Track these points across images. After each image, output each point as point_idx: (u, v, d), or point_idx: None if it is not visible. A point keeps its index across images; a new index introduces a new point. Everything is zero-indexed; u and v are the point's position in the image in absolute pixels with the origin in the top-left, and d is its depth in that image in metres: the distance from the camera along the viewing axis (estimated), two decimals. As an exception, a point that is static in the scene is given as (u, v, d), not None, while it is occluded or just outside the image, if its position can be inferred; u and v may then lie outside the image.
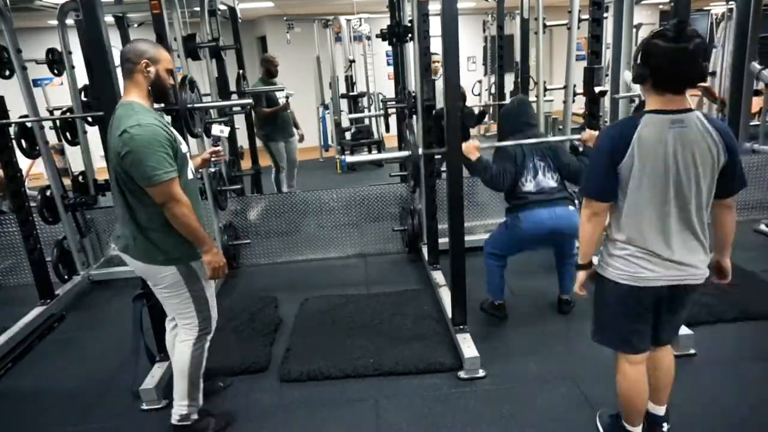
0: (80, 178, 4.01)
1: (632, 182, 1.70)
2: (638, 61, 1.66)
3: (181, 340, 2.22)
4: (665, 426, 2.09)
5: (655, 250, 1.79)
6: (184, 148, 2.11)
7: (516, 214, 2.87)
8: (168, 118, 2.72)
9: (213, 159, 2.56)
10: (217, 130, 3.48)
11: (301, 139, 5.81)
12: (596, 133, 2.73)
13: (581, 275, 1.90)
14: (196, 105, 3.24)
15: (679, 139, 1.63)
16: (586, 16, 3.51)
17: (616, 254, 1.81)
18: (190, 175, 2.13)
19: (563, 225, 2.80)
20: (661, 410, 2.09)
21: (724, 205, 1.91)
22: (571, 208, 2.85)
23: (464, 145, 2.71)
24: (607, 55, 5.62)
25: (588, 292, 1.92)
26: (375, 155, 3.50)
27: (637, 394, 1.93)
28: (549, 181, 2.88)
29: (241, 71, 4.55)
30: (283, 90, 5.11)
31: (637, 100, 6.00)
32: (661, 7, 11.19)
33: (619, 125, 1.76)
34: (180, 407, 2.24)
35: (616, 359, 1.96)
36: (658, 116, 1.65)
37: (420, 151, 3.15)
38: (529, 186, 2.87)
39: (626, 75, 5.62)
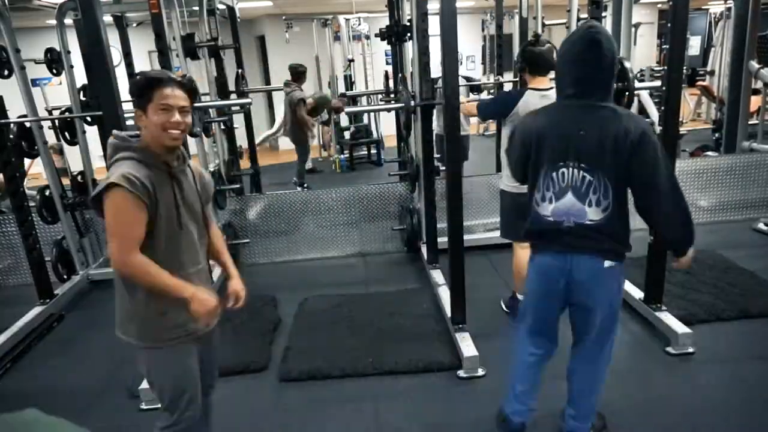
0: (79, 177, 4.00)
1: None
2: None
3: None
4: None
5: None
6: None
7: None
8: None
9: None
10: None
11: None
12: None
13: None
14: (195, 105, 3.24)
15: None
16: (585, 15, 3.51)
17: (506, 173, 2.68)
18: None
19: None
20: None
21: None
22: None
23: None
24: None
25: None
26: (372, 107, 3.57)
27: (523, 268, 2.26)
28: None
29: (240, 71, 4.55)
30: (282, 89, 5.16)
31: (636, 99, 6.02)
32: (660, 6, 11.19)
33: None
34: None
35: (514, 248, 2.93)
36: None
37: (412, 103, 3.21)
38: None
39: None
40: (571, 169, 1.75)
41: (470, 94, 5.69)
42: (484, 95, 5.90)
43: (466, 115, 3.29)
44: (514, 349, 2.08)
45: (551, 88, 2.57)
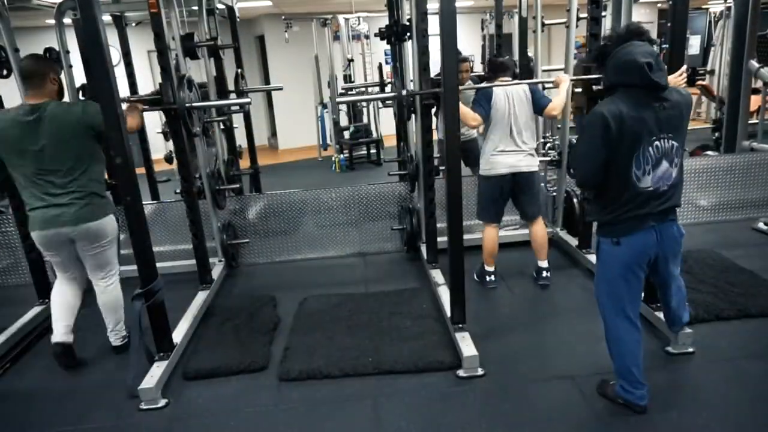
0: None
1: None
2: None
3: (111, 283, 2.88)
4: (545, 273, 3.42)
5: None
6: None
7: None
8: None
9: None
10: None
11: None
12: (566, 76, 3.28)
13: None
14: (194, 104, 3.25)
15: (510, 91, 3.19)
16: (585, 15, 3.51)
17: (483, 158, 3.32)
18: None
19: None
20: (544, 263, 3.44)
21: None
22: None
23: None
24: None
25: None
26: (366, 96, 3.67)
27: (491, 245, 3.43)
28: None
29: (239, 70, 4.54)
30: (281, 89, 5.13)
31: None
32: (659, 5, 11.19)
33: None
34: (120, 331, 2.97)
35: (485, 228, 3.45)
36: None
37: (404, 92, 3.36)
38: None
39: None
40: (663, 140, 2.00)
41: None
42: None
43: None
44: (616, 340, 2.20)
45: (511, 83, 3.27)
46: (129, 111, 2.83)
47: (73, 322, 2.88)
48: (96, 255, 2.78)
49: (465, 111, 3.16)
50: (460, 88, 3.38)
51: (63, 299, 2.88)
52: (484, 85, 3.46)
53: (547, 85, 3.48)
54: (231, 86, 4.61)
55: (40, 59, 2.79)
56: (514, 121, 3.21)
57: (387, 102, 4.13)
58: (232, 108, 4.54)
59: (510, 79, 3.31)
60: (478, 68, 9.29)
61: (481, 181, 3.39)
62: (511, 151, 3.23)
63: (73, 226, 2.63)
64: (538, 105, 3.25)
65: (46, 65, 2.70)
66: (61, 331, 2.82)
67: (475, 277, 3.54)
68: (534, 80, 3.65)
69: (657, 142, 1.99)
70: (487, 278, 3.45)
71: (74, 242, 2.72)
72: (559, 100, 3.22)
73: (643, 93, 1.98)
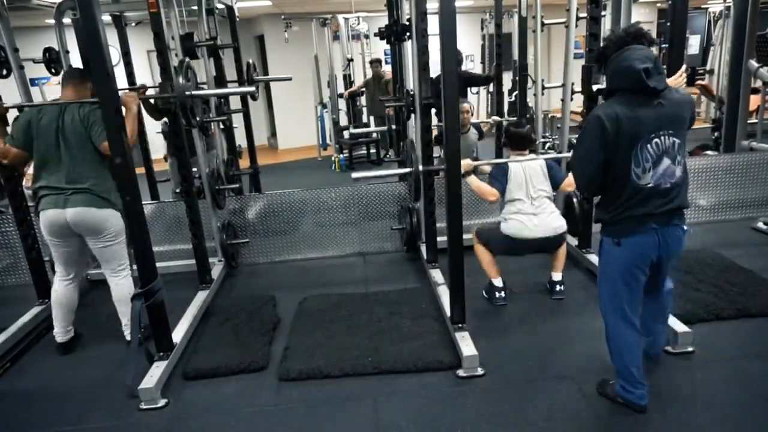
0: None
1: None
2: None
3: (123, 278, 2.94)
4: (558, 287, 3.29)
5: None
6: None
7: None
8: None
9: None
10: None
11: None
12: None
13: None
14: (194, 93, 3.19)
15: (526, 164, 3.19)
16: (584, 15, 3.51)
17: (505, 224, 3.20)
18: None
19: None
20: (558, 276, 3.30)
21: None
22: None
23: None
24: (605, 54, 5.60)
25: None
26: (379, 171, 3.57)
27: (486, 261, 3.30)
28: None
29: (250, 61, 4.47)
30: (290, 79, 5.17)
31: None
32: (659, 5, 11.19)
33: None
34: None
35: (476, 244, 3.32)
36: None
37: (420, 167, 3.26)
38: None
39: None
40: (662, 137, 1.98)
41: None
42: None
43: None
44: (616, 339, 2.21)
45: (526, 159, 3.22)
46: (125, 106, 2.85)
47: (72, 321, 3.05)
48: (103, 249, 2.86)
49: (483, 187, 3.17)
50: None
51: (62, 301, 2.97)
52: (499, 160, 3.47)
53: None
54: (232, 78, 4.61)
55: (83, 70, 3.07)
56: (533, 191, 3.14)
57: (388, 104, 4.13)
58: (232, 108, 4.54)
59: (526, 153, 3.27)
60: (478, 69, 9.30)
61: (504, 237, 3.18)
62: (537, 214, 3.11)
63: (71, 208, 2.72)
64: (554, 180, 3.21)
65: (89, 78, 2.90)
66: (60, 332, 3.01)
67: (484, 294, 3.37)
68: (551, 156, 3.55)
69: (656, 140, 1.98)
70: (497, 294, 3.26)
71: (79, 235, 2.82)
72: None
73: (642, 96, 1.99)
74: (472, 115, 5.30)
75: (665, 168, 2.02)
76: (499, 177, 3.20)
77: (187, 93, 3.08)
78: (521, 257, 3.40)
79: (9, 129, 2.90)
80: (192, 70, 3.26)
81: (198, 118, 3.38)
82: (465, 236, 2.74)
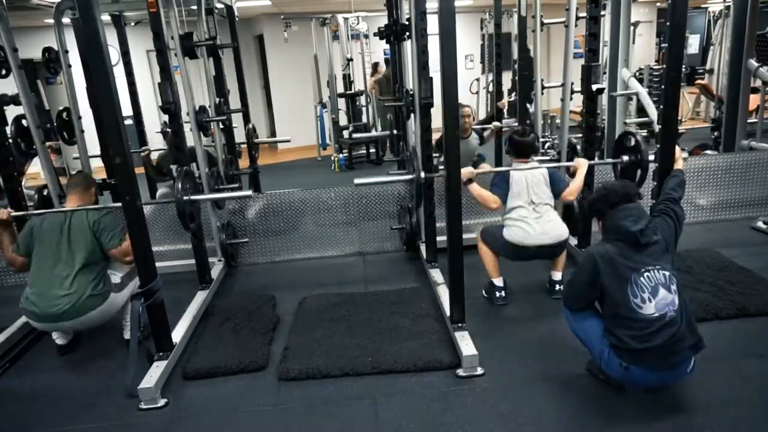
0: (77, 177, 3.99)
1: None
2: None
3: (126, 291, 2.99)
4: (558, 287, 3.30)
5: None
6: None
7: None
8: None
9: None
10: None
11: None
12: (584, 161, 3.26)
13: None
14: (192, 197, 3.16)
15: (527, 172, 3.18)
16: (584, 14, 3.51)
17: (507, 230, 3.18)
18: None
19: None
20: (558, 276, 3.32)
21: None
22: None
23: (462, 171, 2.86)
24: (605, 53, 5.62)
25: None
26: (383, 178, 3.58)
27: (489, 261, 3.30)
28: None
29: (251, 126, 4.56)
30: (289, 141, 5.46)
31: (634, 98, 6.02)
32: (658, 4, 11.20)
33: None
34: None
35: (479, 243, 3.32)
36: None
37: (422, 174, 3.31)
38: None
39: (624, 73, 5.64)
40: (652, 271, 2.16)
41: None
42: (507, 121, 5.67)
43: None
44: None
45: (529, 168, 3.21)
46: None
47: None
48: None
49: (485, 195, 3.17)
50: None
51: None
52: (501, 168, 3.47)
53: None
54: (231, 85, 4.62)
55: (89, 177, 3.28)
56: (535, 198, 3.14)
57: (387, 103, 4.13)
58: (231, 108, 4.53)
59: (529, 161, 3.28)
60: (477, 68, 9.31)
61: (505, 242, 3.16)
62: (534, 221, 3.09)
63: (67, 321, 2.77)
64: (555, 189, 3.20)
65: (93, 182, 3.22)
66: (60, 334, 3.05)
67: (484, 293, 3.38)
68: (553, 164, 3.56)
69: (647, 273, 2.16)
70: (497, 294, 3.28)
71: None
72: (575, 185, 3.17)
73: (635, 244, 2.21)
74: (474, 120, 5.29)
75: (663, 296, 2.14)
76: (500, 184, 3.21)
77: (185, 198, 3.08)
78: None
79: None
80: (191, 176, 3.24)
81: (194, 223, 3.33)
82: (465, 236, 2.74)
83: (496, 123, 5.18)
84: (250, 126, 4.74)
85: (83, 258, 2.77)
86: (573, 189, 3.19)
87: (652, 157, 2.93)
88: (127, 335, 3.04)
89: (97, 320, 2.83)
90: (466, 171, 3.05)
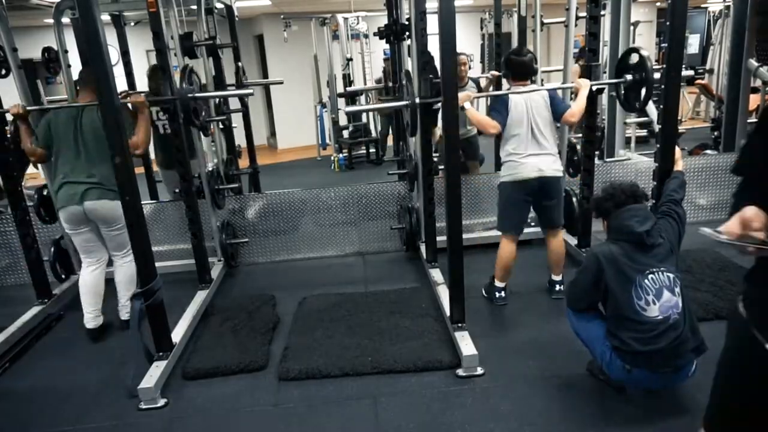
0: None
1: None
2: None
3: (129, 260, 3.09)
4: (558, 287, 3.29)
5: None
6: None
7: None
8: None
9: None
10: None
11: None
12: (586, 81, 3.13)
13: None
14: (197, 95, 3.26)
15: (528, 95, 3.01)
16: (584, 14, 3.51)
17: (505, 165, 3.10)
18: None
19: None
20: (558, 278, 3.30)
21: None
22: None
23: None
24: (605, 53, 5.61)
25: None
26: (375, 105, 3.57)
27: (508, 259, 3.17)
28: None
29: (239, 63, 4.53)
30: (282, 83, 5.30)
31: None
32: (658, 4, 11.19)
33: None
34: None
35: (502, 239, 3.19)
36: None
37: (417, 100, 3.21)
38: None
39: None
40: (657, 273, 2.13)
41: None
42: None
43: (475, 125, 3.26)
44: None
45: (529, 90, 3.06)
46: (138, 110, 3.04)
47: (100, 306, 3.17)
48: (115, 236, 3.09)
49: (484, 119, 3.09)
50: (470, 98, 3.11)
51: (89, 286, 3.13)
52: (500, 92, 3.32)
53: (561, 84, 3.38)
54: (230, 81, 4.61)
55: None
56: (535, 125, 3.00)
57: (385, 103, 4.12)
58: (232, 108, 4.54)
59: (528, 83, 3.12)
60: (477, 68, 9.30)
61: (503, 189, 3.12)
62: (534, 153, 2.99)
63: (88, 201, 2.96)
64: (557, 111, 3.06)
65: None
66: (91, 316, 3.13)
67: (483, 292, 3.36)
68: (554, 86, 3.39)
69: (651, 275, 2.13)
70: (497, 294, 3.25)
71: (94, 222, 3.05)
72: (577, 106, 3.04)
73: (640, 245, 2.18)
74: (470, 68, 5.17)
75: (668, 299, 2.12)
76: (500, 109, 3.04)
77: (190, 95, 3.18)
78: (521, 257, 3.40)
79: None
80: (194, 73, 3.31)
81: (200, 120, 3.40)
82: (465, 236, 2.74)
83: (494, 72, 5.06)
84: (240, 64, 4.75)
85: (99, 151, 2.92)
86: (575, 110, 3.04)
87: (657, 76, 2.83)
88: (122, 315, 3.22)
89: (118, 213, 2.78)
90: (464, 95, 2.97)
